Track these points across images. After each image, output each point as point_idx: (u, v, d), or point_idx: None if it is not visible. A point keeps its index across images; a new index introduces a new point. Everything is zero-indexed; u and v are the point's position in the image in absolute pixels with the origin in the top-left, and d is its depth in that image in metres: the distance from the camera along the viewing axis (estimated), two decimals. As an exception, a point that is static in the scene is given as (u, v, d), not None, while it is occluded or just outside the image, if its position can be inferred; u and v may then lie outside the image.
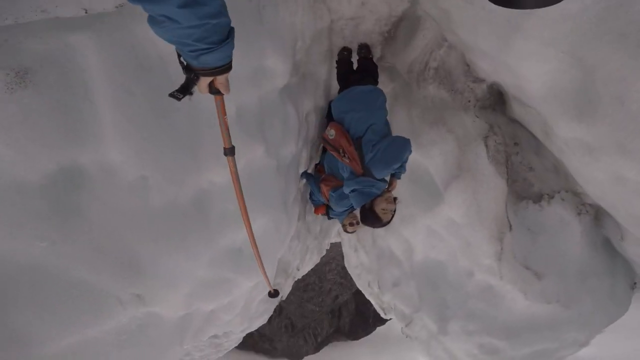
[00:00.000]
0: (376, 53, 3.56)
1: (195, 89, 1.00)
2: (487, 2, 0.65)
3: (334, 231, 5.84)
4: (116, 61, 1.27)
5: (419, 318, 3.89)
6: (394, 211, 2.24)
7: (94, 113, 1.26)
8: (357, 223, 3.27)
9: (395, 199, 2.28)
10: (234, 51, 0.95)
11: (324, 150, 3.32)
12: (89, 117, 1.25)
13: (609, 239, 2.14)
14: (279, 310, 10.63)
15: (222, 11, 0.86)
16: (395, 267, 3.70)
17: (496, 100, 2.42)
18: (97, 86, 1.24)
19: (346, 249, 5.25)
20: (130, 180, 1.46)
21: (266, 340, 11.67)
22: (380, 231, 3.74)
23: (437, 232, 2.80)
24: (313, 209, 3.90)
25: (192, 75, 0.95)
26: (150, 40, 1.41)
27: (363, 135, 2.31)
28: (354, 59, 3.45)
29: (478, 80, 2.46)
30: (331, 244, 6.76)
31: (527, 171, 2.18)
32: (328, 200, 3.20)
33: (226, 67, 0.96)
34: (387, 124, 2.41)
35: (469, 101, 2.47)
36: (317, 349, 12.49)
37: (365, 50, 3.40)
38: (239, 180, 1.42)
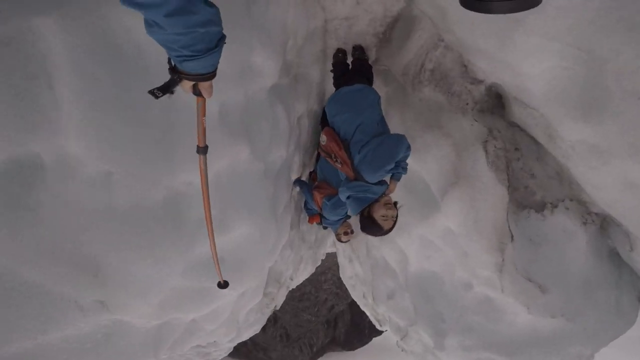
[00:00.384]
0: (371, 55, 3.47)
1: (177, 88, 1.00)
2: None
3: (330, 241, 5.69)
4: (84, 47, 1.17)
5: (414, 331, 3.73)
6: (396, 217, 2.02)
7: (53, 100, 1.16)
8: (351, 232, 3.13)
9: (395, 203, 2.07)
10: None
11: (318, 157, 3.21)
12: (47, 104, 1.15)
13: (615, 249, 2.00)
14: (273, 319, 10.42)
15: (213, 19, 0.84)
16: (389, 279, 3.54)
17: (495, 103, 2.30)
18: (59, 72, 1.15)
19: (341, 259, 5.09)
20: (92, 174, 1.34)
21: (260, 349, 11.44)
22: (374, 241, 3.59)
23: (432, 242, 2.66)
24: (307, 218, 3.78)
25: (175, 76, 0.95)
26: (125, 27, 1.32)
27: (352, 136, 2.18)
28: (349, 60, 3.35)
29: (476, 81, 2.35)
30: (327, 253, 6.61)
31: (529, 178, 2.05)
32: (321, 209, 3.07)
33: (209, 75, 0.96)
34: (381, 122, 2.26)
35: (467, 104, 2.35)
36: (312, 359, 12.29)
37: (359, 51, 3.32)
38: (207, 181, 1.32)
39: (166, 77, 0.96)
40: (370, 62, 3.44)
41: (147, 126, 1.49)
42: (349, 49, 3.40)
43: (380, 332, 11.14)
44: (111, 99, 1.30)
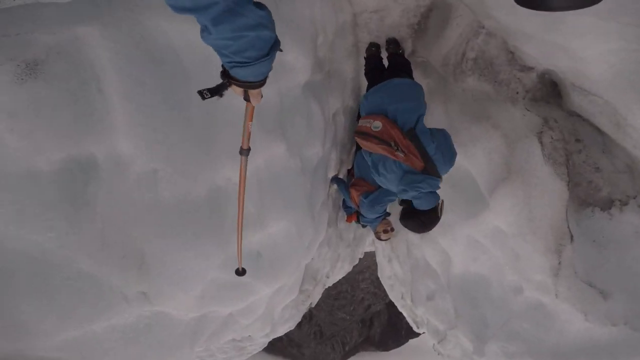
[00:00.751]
0: (407, 48, 3.34)
1: (227, 92, 1.00)
2: None
3: (369, 239, 5.59)
4: (125, 52, 1.26)
5: (453, 335, 3.56)
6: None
7: (104, 104, 1.25)
8: (392, 230, 3.02)
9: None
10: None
11: (357, 151, 3.11)
12: (99, 107, 1.24)
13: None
14: (309, 316, 10.49)
15: (263, 22, 0.81)
16: (430, 280, 3.39)
17: (549, 91, 2.10)
18: (107, 77, 1.24)
19: (380, 259, 4.98)
20: (140, 172, 1.41)
21: (294, 345, 11.58)
22: (415, 240, 3.46)
23: (479, 242, 2.49)
24: (345, 216, 3.73)
25: (226, 81, 0.95)
26: (162, 32, 1.41)
27: (415, 125, 1.99)
28: (384, 55, 3.24)
29: (526, 68, 2.16)
30: (365, 252, 6.51)
31: (593, 172, 1.84)
32: (358, 206, 3.01)
33: (259, 84, 0.95)
34: None
35: (517, 92, 2.17)
36: (344, 357, 12.27)
37: (394, 45, 3.18)
38: (245, 181, 1.39)
39: (206, 79, 0.98)
40: (406, 54, 3.31)
41: (189, 125, 1.55)
42: (382, 42, 3.28)
43: (417, 334, 10.86)
44: (155, 100, 1.37)
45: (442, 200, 2.04)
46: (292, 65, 2.22)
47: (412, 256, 3.59)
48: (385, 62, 3.09)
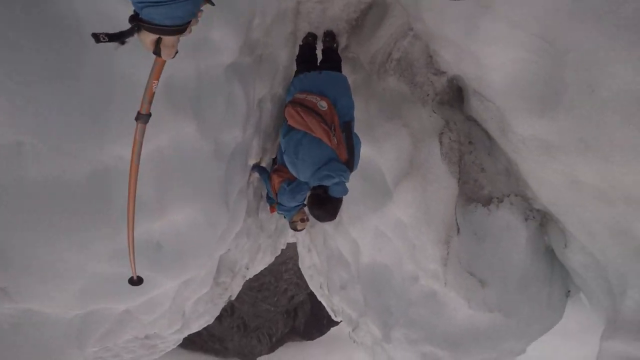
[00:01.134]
0: (342, 42, 3.39)
1: (132, 40, 0.85)
2: None
3: (291, 230, 5.60)
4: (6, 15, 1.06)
5: (364, 323, 3.76)
6: None
7: None
8: (307, 220, 3.05)
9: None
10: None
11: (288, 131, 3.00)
12: None
13: (550, 246, 2.08)
14: (230, 309, 10.18)
15: None
16: (343, 270, 3.52)
17: (455, 96, 2.30)
18: None
19: (300, 249, 5.03)
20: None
21: (216, 340, 11.20)
22: (330, 230, 3.55)
23: (384, 233, 2.64)
24: (268, 206, 3.65)
25: (134, 25, 0.81)
26: None
27: (351, 121, 2.06)
28: (319, 47, 3.24)
29: (439, 72, 2.33)
30: (288, 243, 6.51)
31: (479, 172, 2.07)
32: (277, 194, 2.97)
33: (174, 29, 0.83)
34: None
35: (428, 95, 2.33)
36: (271, 349, 12.28)
37: (330, 38, 3.21)
38: (139, 155, 1.16)
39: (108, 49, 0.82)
40: (340, 49, 3.36)
41: (75, 96, 1.34)
42: (320, 34, 3.28)
43: (337, 323, 11.34)
44: (32, 66, 1.18)
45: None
46: (218, 43, 2.06)
47: (328, 246, 3.68)
48: (319, 55, 3.09)
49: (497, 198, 2.02)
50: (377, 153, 2.49)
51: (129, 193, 1.24)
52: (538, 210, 2.02)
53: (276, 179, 2.87)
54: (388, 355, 3.42)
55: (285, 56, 3.29)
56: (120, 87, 1.47)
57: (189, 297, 3.41)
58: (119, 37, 0.83)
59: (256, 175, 3.49)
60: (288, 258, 9.62)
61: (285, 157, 2.24)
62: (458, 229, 2.11)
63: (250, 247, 4.17)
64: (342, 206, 2.07)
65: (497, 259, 2.03)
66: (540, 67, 1.50)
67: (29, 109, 1.22)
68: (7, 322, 1.48)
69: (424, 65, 2.50)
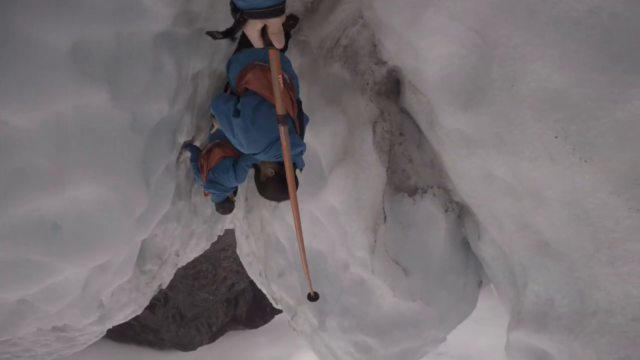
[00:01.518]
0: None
1: (240, 33, 0.91)
2: None
3: (229, 216, 5.37)
4: None
5: (302, 311, 3.74)
6: None
7: None
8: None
9: None
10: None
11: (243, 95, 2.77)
12: None
13: (466, 238, 2.19)
14: (163, 299, 9.66)
15: None
16: (280, 256, 3.45)
17: (392, 88, 2.31)
18: None
19: (238, 235, 4.85)
20: None
21: (149, 331, 10.60)
22: (267, 216, 3.44)
23: (319, 219, 2.61)
24: (203, 190, 3.44)
25: (238, 16, 0.86)
26: None
27: (300, 100, 2.00)
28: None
29: (380, 62, 2.32)
30: (227, 230, 6.26)
31: (407, 163, 2.10)
32: (211, 169, 2.83)
33: (277, 9, 0.85)
34: None
35: (367, 84, 2.31)
36: (212, 339, 11.96)
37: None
38: (290, 153, 1.33)
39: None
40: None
41: None
42: None
43: (281, 311, 11.37)
44: None
45: None
46: (146, 9, 1.81)
47: (265, 232, 3.58)
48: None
49: (422, 189, 2.07)
50: (314, 137, 2.43)
51: (293, 207, 1.40)
52: (457, 203, 2.10)
53: (218, 153, 2.72)
54: (325, 343, 3.44)
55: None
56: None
57: (106, 286, 3.09)
58: (230, 34, 0.91)
59: (188, 154, 3.25)
60: (227, 245, 9.32)
61: (236, 123, 1.95)
62: (385, 217, 2.13)
63: (182, 232, 3.91)
64: None
65: (420, 248, 2.09)
66: (470, 62, 1.52)
67: None
68: None
69: (368, 53, 2.48)
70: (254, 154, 1.95)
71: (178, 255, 4.33)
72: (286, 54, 3.04)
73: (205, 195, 3.46)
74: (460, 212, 2.11)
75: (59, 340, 4.96)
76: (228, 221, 5.46)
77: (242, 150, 2.08)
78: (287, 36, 2.96)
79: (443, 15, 1.51)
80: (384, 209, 2.12)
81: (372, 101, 2.24)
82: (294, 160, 1.87)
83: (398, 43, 2.04)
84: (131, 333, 10.43)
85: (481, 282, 2.36)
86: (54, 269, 1.99)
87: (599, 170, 1.18)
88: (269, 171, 1.88)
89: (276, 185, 1.86)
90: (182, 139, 2.98)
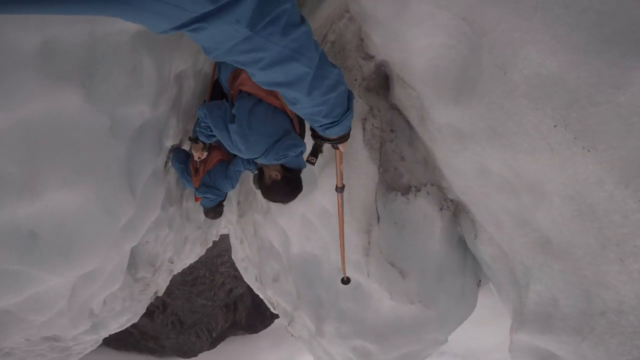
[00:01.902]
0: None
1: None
2: None
3: (224, 220, 5.27)
4: None
5: (299, 316, 3.64)
6: None
7: None
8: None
9: None
10: None
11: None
12: None
13: (463, 237, 2.11)
14: (161, 306, 9.55)
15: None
16: (274, 261, 3.36)
17: (381, 83, 2.23)
18: None
19: (233, 240, 4.75)
20: None
21: (150, 338, 10.49)
22: (260, 220, 3.35)
23: (311, 222, 2.52)
24: (194, 195, 3.35)
25: (318, 142, 1.34)
26: None
27: None
28: None
29: (368, 57, 2.24)
30: (222, 235, 6.16)
31: (399, 160, 2.01)
32: (204, 171, 2.76)
33: (346, 136, 1.24)
34: None
35: (356, 79, 2.23)
36: (212, 344, 11.85)
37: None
38: (343, 215, 1.72)
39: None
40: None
41: None
42: None
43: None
44: None
45: None
46: None
47: (258, 237, 3.49)
48: None
49: (415, 187, 1.98)
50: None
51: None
52: (452, 200, 2.02)
53: (217, 156, 2.66)
54: (324, 349, 3.35)
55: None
56: None
57: (95, 295, 3.01)
58: (317, 152, 1.46)
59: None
60: (224, 250, 9.21)
61: (233, 130, 1.89)
62: (378, 218, 2.04)
63: (175, 238, 3.81)
64: None
65: (416, 249, 2.01)
66: (459, 52, 1.45)
67: None
68: None
69: (355, 48, 2.41)
70: (254, 159, 1.89)
71: (172, 262, 4.24)
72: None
73: (197, 200, 3.37)
74: (455, 210, 2.03)
75: (53, 350, 4.88)
76: (222, 226, 5.37)
77: (241, 156, 2.02)
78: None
79: (429, 3, 1.44)
80: (376, 209, 2.03)
81: (360, 97, 2.16)
82: (294, 160, 1.80)
83: (384, 35, 1.97)
84: (131, 340, 10.33)
85: (480, 281, 2.27)
86: (34, 279, 1.90)
87: (604, 159, 1.09)
88: (274, 174, 1.83)
89: (283, 188, 1.84)
90: (169, 142, 2.90)
